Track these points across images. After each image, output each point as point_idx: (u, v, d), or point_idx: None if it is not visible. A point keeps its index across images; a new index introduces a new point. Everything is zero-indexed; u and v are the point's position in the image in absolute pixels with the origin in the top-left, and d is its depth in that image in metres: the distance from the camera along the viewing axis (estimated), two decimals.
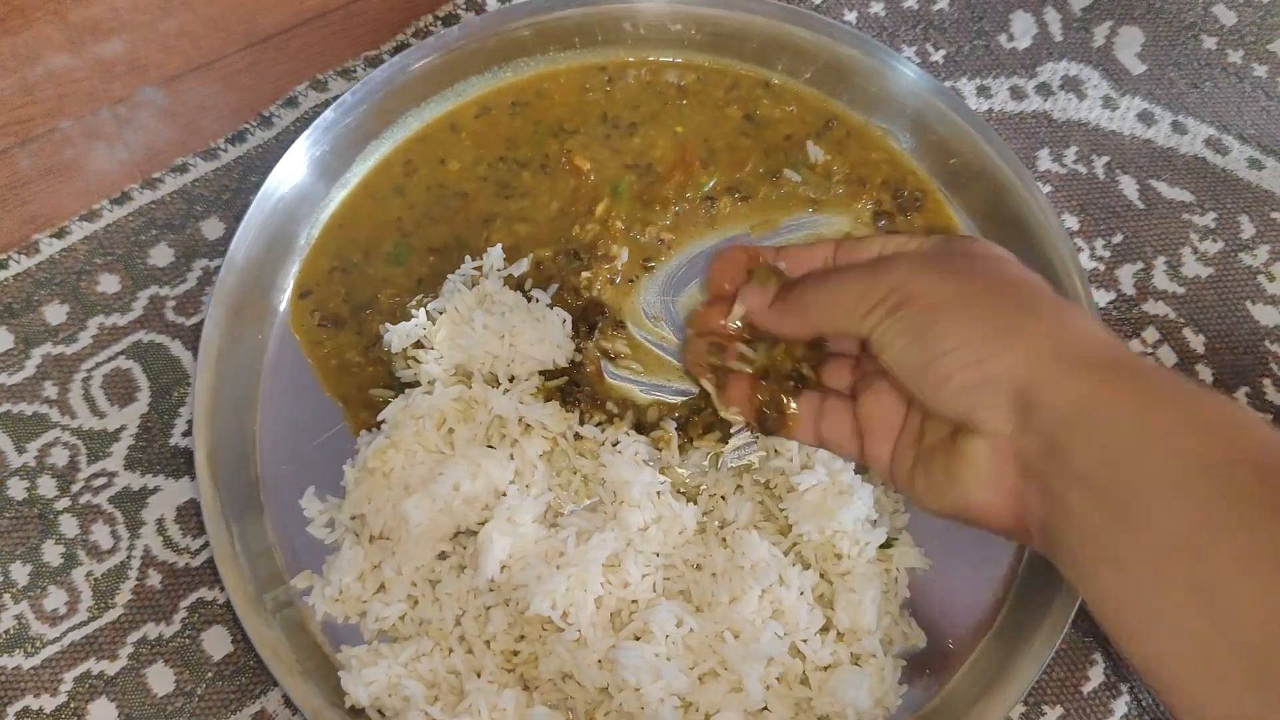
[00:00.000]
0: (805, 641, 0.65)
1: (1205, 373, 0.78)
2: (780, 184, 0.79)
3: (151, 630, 0.70)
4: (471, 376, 0.71)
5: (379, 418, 0.71)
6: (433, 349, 0.72)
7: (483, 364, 0.71)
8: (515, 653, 0.66)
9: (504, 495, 0.67)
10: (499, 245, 0.76)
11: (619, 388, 0.74)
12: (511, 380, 0.71)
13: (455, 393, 0.70)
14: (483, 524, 0.67)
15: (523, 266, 0.76)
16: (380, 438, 0.69)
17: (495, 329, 0.70)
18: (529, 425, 0.69)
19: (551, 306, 0.73)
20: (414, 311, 0.73)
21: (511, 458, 0.69)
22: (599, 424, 0.71)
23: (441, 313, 0.72)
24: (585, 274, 0.76)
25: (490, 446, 0.69)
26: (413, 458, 0.69)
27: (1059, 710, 0.70)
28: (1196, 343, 0.79)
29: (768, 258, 0.67)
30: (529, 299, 0.74)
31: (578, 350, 0.73)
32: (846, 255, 0.65)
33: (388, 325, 0.73)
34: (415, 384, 0.72)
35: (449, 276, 0.75)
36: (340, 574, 0.67)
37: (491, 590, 0.66)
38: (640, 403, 0.74)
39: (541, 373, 0.72)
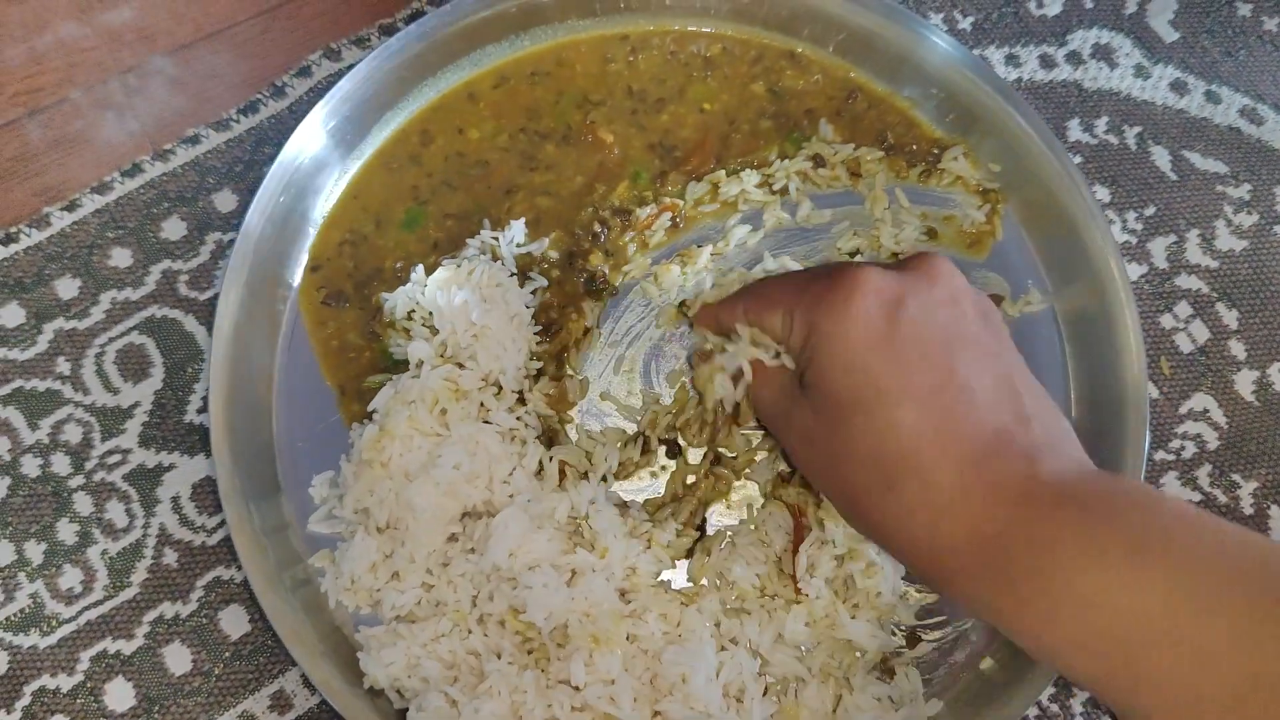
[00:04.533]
0: None
1: (1238, 348, 0.76)
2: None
3: (168, 609, 0.69)
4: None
5: (369, 408, 0.69)
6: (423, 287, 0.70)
7: (440, 326, 0.69)
8: (529, 638, 0.65)
9: (509, 479, 0.67)
10: (522, 219, 0.74)
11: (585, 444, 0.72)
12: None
13: (444, 372, 0.68)
14: (487, 502, 0.66)
15: (543, 245, 0.74)
16: (372, 427, 0.67)
17: (468, 314, 0.68)
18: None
19: (532, 319, 0.71)
20: (414, 272, 0.71)
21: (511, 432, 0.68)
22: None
23: (458, 265, 0.70)
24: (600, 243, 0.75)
25: (486, 422, 0.68)
26: (409, 444, 0.67)
27: (1088, 694, 0.69)
28: (1230, 318, 0.77)
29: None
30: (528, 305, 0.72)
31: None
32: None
33: (387, 295, 0.71)
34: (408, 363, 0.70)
35: (468, 240, 0.73)
36: (352, 564, 0.66)
37: (498, 571, 0.65)
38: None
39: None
